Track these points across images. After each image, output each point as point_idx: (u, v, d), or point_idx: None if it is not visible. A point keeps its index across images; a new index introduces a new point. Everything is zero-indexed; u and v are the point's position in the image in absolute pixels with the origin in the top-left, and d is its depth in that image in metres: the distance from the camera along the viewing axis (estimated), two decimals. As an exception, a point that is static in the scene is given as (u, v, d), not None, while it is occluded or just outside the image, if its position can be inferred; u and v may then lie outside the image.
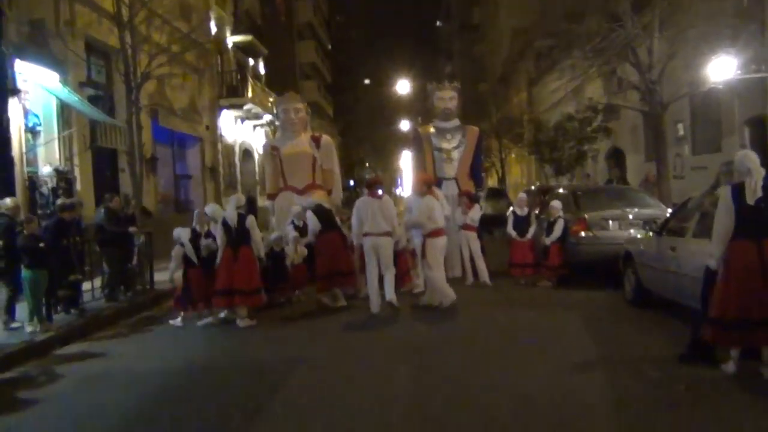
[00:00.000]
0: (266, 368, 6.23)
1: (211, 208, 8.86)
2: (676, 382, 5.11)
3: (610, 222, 9.81)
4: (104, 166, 14.76)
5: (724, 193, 5.26)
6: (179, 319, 8.49)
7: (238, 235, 8.26)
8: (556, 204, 10.18)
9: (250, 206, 11.28)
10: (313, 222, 9.09)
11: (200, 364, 6.61)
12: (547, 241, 10.04)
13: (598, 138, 21.95)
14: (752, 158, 5.22)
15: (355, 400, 5.09)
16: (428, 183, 9.51)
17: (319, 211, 9.30)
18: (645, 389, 5.05)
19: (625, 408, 4.66)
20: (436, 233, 8.76)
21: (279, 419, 4.75)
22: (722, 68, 12.97)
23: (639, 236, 8.64)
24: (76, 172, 13.13)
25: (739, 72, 13.16)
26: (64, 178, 12.38)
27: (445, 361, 6.17)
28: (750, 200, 5.10)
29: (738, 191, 5.15)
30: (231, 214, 8.34)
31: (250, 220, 8.43)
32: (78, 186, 13.02)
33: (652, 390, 5.02)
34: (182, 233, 8.52)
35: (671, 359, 5.67)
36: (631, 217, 9.80)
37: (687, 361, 5.52)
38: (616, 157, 23.49)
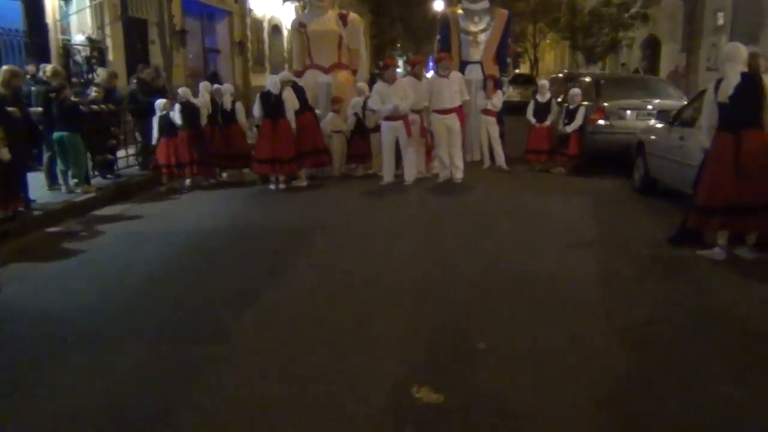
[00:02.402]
0: (285, 233, 6.80)
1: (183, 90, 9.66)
2: (660, 260, 5.54)
3: (628, 112, 9.90)
4: (135, 37, 14.90)
5: (709, 87, 5.45)
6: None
7: (276, 108, 8.97)
8: (576, 91, 10.24)
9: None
10: (291, 102, 9.24)
11: (229, 226, 7.22)
12: (568, 129, 10.14)
13: (635, 25, 21.25)
14: (731, 54, 5.33)
15: (366, 267, 5.60)
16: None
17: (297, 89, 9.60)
18: (633, 265, 5.49)
19: (612, 279, 5.11)
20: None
21: (296, 279, 5.29)
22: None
23: (654, 126, 8.76)
24: (108, 42, 13.36)
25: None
26: (96, 47, 12.64)
27: (452, 232, 6.67)
28: (722, 98, 5.29)
29: (718, 86, 5.33)
30: (274, 84, 9.03)
31: (287, 92, 9.06)
32: (110, 56, 13.29)
33: (639, 266, 5.46)
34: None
35: (662, 241, 6.07)
36: (649, 107, 9.86)
37: (675, 243, 5.91)
38: (652, 46, 22.79)
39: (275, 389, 3.36)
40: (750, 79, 5.31)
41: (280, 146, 9.01)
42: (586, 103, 10.20)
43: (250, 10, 22.32)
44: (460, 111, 9.41)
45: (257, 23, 23.31)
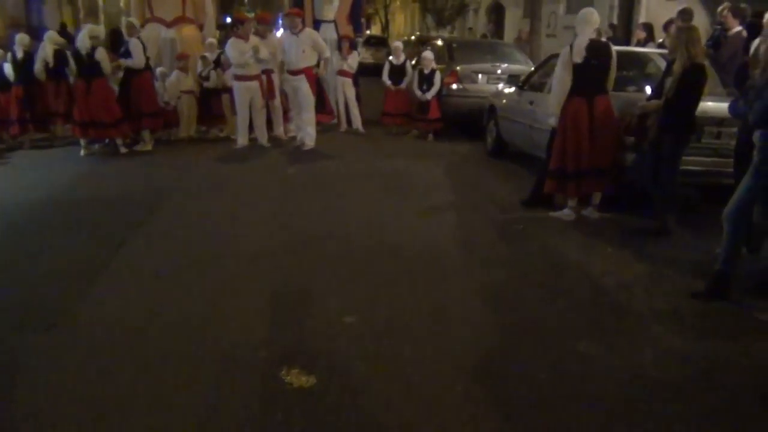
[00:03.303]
0: (131, 202, 6.22)
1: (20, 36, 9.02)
2: (515, 223, 5.71)
3: (480, 75, 10.13)
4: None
5: (564, 51, 5.61)
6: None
7: (89, 67, 8.08)
8: (429, 55, 10.13)
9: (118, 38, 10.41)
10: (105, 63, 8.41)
11: (64, 196, 6.47)
12: (428, 95, 9.92)
13: (482, -10, 21.91)
14: (585, 17, 5.55)
15: (219, 236, 5.24)
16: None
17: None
18: (489, 228, 5.60)
19: (469, 244, 5.17)
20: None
21: (144, 251, 4.84)
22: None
23: (504, 90, 9.02)
24: None
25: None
26: None
27: (309, 199, 6.44)
28: (576, 58, 5.49)
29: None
30: (83, 42, 8.09)
31: (100, 52, 8.12)
32: None
33: (494, 229, 5.58)
34: None
35: (516, 204, 6.27)
36: (499, 71, 10.15)
37: (528, 206, 6.13)
38: (497, 11, 23.65)
39: (117, 383, 2.99)
40: (601, 44, 5.54)
41: (97, 109, 8.16)
42: (441, 67, 10.26)
43: (79, -46, 20.23)
44: (309, 72, 8.98)
45: (88, -30, 21.23)
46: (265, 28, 9.31)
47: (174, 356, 3.24)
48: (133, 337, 3.46)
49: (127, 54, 8.57)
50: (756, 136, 3.91)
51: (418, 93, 10.03)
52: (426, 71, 10.04)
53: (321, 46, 9.03)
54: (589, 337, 3.56)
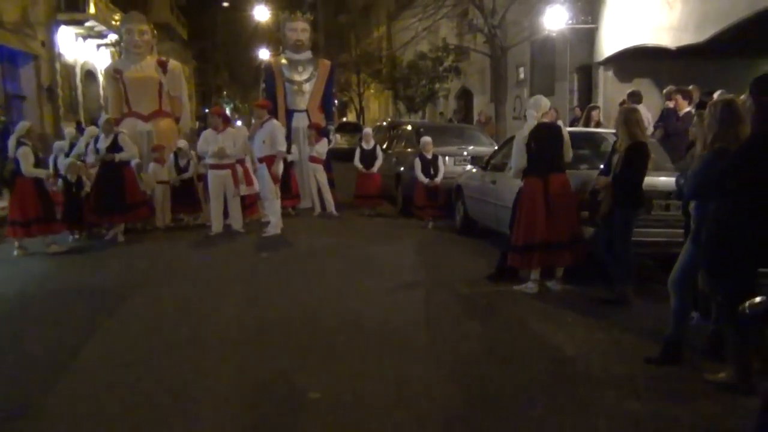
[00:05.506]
0: (104, 292, 6.28)
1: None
2: (480, 297, 5.88)
3: (447, 158, 10.52)
4: None
5: (518, 135, 6.05)
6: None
7: (16, 165, 8.04)
8: (428, 139, 9.98)
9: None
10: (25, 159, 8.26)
11: (36, 289, 6.50)
12: (437, 179, 9.72)
13: (449, 77, 22.88)
14: (533, 104, 6.02)
15: (191, 322, 5.33)
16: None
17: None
18: (455, 304, 5.76)
19: (436, 319, 5.31)
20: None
21: (115, 340, 4.91)
22: (556, 17, 14.03)
23: (470, 171, 9.35)
24: None
25: (570, 21, 14.32)
26: None
27: (282, 281, 6.57)
28: (518, 139, 6.04)
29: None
30: (11, 143, 8.12)
31: (20, 151, 7.97)
32: None
33: (461, 304, 5.74)
34: None
35: (481, 279, 6.45)
36: (465, 153, 10.58)
37: (493, 281, 6.32)
38: (465, 97, 24.63)
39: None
40: (550, 127, 5.92)
41: (13, 207, 8.10)
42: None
43: (60, 54, 20.93)
44: (270, 160, 9.06)
45: (68, 69, 21.91)
46: (215, 119, 9.38)
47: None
48: (103, 421, 3.51)
49: (117, 148, 8.88)
50: (691, 206, 4.19)
51: (425, 180, 9.70)
52: (428, 156, 9.80)
53: (275, 139, 9.02)
54: (546, 404, 3.68)
